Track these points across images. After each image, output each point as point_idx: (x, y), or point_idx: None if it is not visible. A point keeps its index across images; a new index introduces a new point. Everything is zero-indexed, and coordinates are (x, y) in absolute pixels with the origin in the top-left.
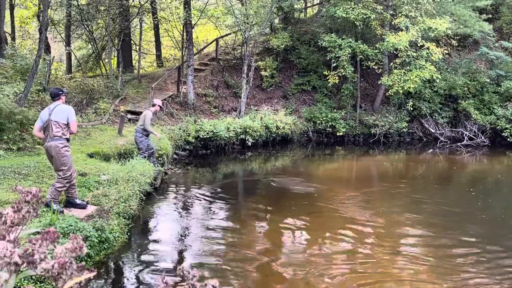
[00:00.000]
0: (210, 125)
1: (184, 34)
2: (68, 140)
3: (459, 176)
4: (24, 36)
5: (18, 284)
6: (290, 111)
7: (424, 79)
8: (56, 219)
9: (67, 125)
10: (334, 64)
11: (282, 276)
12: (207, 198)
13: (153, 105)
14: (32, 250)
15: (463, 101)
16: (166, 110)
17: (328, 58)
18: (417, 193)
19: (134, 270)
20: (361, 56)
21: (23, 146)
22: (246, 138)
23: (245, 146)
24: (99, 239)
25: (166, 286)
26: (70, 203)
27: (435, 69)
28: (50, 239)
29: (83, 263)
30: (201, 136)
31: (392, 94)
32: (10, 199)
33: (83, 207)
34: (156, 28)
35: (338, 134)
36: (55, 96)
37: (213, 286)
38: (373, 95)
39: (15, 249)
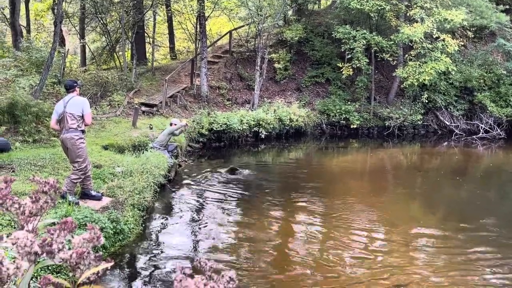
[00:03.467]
0: (224, 118)
1: (198, 26)
2: (83, 132)
3: (475, 169)
4: (39, 29)
5: (35, 274)
6: (304, 103)
7: (439, 71)
8: (72, 210)
9: (82, 117)
10: (348, 56)
11: (296, 269)
12: (220, 190)
13: (171, 124)
14: (51, 240)
15: (479, 94)
16: (180, 102)
17: (342, 50)
18: (432, 186)
19: (149, 261)
20: (375, 48)
21: (39, 138)
22: (260, 131)
23: (259, 139)
24: (114, 230)
25: (185, 276)
26: (85, 195)
27: (451, 61)
28: (67, 229)
29: (100, 253)
30: (215, 129)
31: (407, 86)
32: (27, 190)
33: (98, 198)
34: (169, 21)
35: (352, 126)
36: (69, 88)
37: (230, 277)
38: (388, 87)
39: (35, 239)
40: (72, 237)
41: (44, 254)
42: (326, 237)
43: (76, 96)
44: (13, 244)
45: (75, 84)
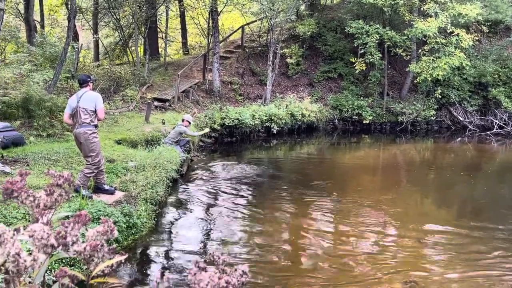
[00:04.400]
0: (236, 113)
1: (210, 21)
2: (96, 126)
3: (489, 165)
4: (53, 24)
5: (49, 267)
6: (316, 98)
7: (453, 66)
8: (85, 204)
9: (95, 111)
10: (361, 51)
11: (308, 264)
12: (232, 184)
13: (182, 120)
14: (65, 232)
15: (493, 89)
16: (192, 97)
17: (355, 45)
18: (445, 182)
19: (162, 255)
20: (388, 43)
21: (53, 132)
22: (272, 126)
23: (270, 134)
24: (127, 224)
25: (199, 269)
26: (98, 189)
27: (465, 56)
28: (82, 222)
29: (114, 245)
30: (227, 124)
31: (420, 81)
32: (41, 184)
33: (111, 192)
34: (182, 16)
35: (364, 122)
36: (83, 83)
37: (242, 271)
38: (401, 83)
39: (51, 231)
40: (86, 230)
41: (60, 247)
42: (338, 233)
43: (89, 91)
44: (30, 236)
45: (89, 79)
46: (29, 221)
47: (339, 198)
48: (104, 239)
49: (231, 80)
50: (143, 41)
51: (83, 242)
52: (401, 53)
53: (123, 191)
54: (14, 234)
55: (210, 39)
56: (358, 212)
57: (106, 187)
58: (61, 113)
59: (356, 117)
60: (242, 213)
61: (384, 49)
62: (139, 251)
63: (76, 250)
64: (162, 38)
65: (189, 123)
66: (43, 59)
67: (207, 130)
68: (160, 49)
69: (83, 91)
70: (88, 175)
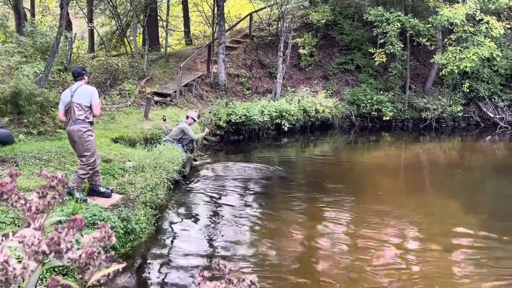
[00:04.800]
0: (243, 108)
1: (215, 8)
2: (91, 123)
3: None
4: (44, 11)
5: (40, 276)
6: (331, 93)
7: (482, 57)
8: (80, 208)
9: (90, 107)
10: (381, 41)
11: (321, 276)
12: (239, 187)
13: (187, 117)
14: (58, 238)
15: None
16: (196, 92)
17: (374, 34)
18: (474, 186)
19: (162, 263)
20: (411, 32)
21: (44, 130)
22: (282, 123)
23: (281, 132)
24: (124, 230)
25: (204, 279)
26: (93, 191)
27: (495, 46)
28: (76, 227)
29: (112, 253)
30: (233, 121)
31: (446, 74)
32: (31, 186)
33: (107, 195)
34: (184, 3)
35: (384, 118)
36: (78, 76)
37: (251, 281)
38: (425, 75)
39: (43, 237)
40: (82, 236)
41: (52, 254)
42: (355, 243)
43: (84, 85)
44: (20, 242)
45: (84, 72)
46: (18, 226)
47: (357, 203)
48: (101, 245)
49: (238, 72)
50: (142, 30)
51: (77, 249)
52: (425, 43)
53: (120, 194)
54: (2, 240)
55: (215, 28)
56: (377, 219)
57: (102, 189)
58: (53, 109)
59: (375, 113)
60: (250, 218)
61: (406, 39)
62: (137, 259)
63: (70, 257)
64: (162, 27)
65: (194, 120)
66: (34, 50)
67: (207, 131)
68: (160, 39)
69: (78, 84)
70: (83, 177)
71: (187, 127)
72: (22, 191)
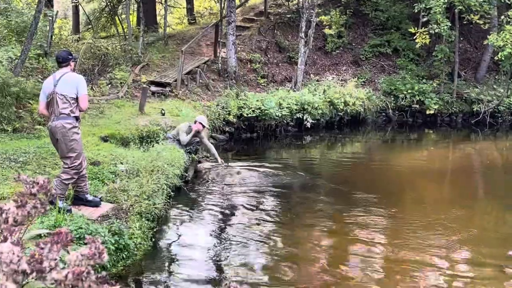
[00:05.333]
0: (257, 101)
1: None
2: (77, 119)
3: None
4: None
5: None
6: (363, 81)
7: None
8: (63, 219)
9: (76, 99)
10: (424, 19)
11: None
12: (251, 195)
13: (195, 122)
14: (40, 255)
15: None
16: (200, 81)
17: (415, 11)
18: None
19: (160, 286)
20: (460, 7)
21: (20, 126)
22: (304, 118)
23: (303, 128)
24: (116, 246)
25: None
26: (79, 200)
27: None
28: (61, 242)
29: (104, 273)
30: (245, 115)
31: (503, 58)
32: (5, 193)
33: (95, 204)
34: None
35: (428, 112)
36: (63, 62)
37: None
38: (477, 60)
39: (23, 254)
40: (68, 252)
41: (34, 274)
42: (391, 261)
43: (70, 73)
44: None
45: (70, 57)
46: None
47: (394, 217)
48: (91, 264)
49: (251, 57)
50: (137, 7)
51: (63, 268)
52: (477, 21)
53: (111, 202)
54: None
55: (224, 4)
56: (418, 234)
57: (89, 197)
58: (30, 101)
59: (417, 106)
60: (264, 232)
61: (454, 16)
62: (131, 281)
63: (55, 278)
64: (161, 3)
65: (203, 126)
66: (8, 31)
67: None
68: (158, 18)
69: (62, 72)
70: (66, 182)
71: (182, 127)
72: None
